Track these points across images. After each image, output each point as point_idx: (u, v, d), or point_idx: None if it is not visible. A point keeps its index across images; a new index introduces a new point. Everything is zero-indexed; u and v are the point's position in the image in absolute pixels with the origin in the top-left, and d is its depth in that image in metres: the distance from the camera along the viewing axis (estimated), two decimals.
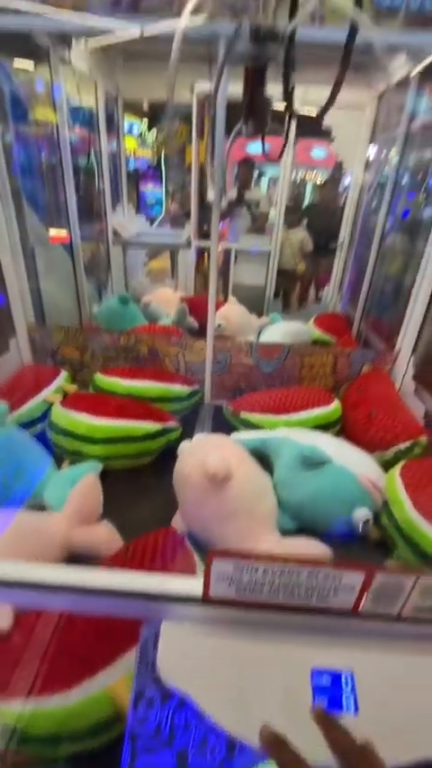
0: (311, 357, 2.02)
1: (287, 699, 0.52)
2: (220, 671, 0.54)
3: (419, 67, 1.84)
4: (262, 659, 0.55)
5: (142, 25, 1.42)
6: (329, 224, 3.45)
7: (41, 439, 1.60)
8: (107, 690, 0.74)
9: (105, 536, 1.12)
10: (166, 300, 2.92)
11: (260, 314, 2.91)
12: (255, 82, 1.11)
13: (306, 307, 3.68)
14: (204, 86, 2.77)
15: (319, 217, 3.49)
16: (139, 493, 1.54)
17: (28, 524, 1.07)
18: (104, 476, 1.50)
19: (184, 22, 1.07)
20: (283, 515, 1.30)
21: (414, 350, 1.83)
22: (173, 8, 1.43)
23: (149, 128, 4.58)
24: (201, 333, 2.24)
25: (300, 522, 1.32)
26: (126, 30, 1.47)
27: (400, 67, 1.99)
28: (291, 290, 3.57)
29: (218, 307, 2.67)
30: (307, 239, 3.39)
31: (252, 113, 1.15)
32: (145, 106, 4.21)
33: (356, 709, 0.51)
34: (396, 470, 1.36)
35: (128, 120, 4.51)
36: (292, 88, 1.00)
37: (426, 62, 1.76)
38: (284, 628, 0.55)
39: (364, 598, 0.47)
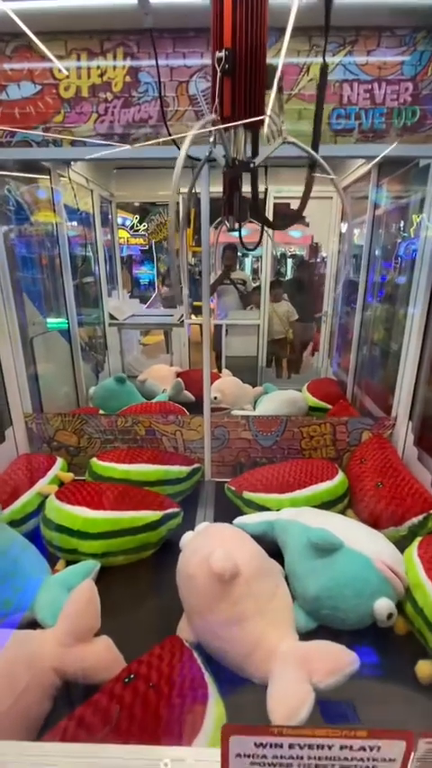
0: (309, 428, 2.01)
1: None
2: None
3: (368, 166, 2.20)
4: None
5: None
6: (308, 298, 3.71)
7: (36, 535, 1.52)
8: None
9: (103, 659, 1.00)
10: (162, 377, 2.98)
11: (254, 384, 2.95)
12: (232, 188, 1.27)
13: (297, 373, 3.77)
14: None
15: (298, 292, 3.76)
16: (141, 590, 1.43)
17: (17, 651, 0.96)
18: (103, 573, 1.40)
19: (183, 152, 1.24)
20: (300, 612, 1.19)
21: (410, 416, 1.83)
22: (158, 136, 1.67)
23: (140, 221, 5.10)
24: (197, 406, 2.25)
25: (318, 619, 1.20)
26: (118, 155, 1.69)
27: (359, 167, 2.29)
28: (282, 357, 3.68)
29: (213, 379, 2.73)
30: (291, 310, 3.59)
31: (231, 211, 1.28)
32: (136, 203, 4.71)
33: None
34: (413, 550, 1.28)
35: (121, 216, 4.99)
36: (261, 203, 1.15)
37: (374, 162, 2.10)
38: None
39: None
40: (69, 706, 0.97)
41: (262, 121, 0.93)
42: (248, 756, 0.40)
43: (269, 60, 1.43)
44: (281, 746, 0.39)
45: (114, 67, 1.64)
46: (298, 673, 0.95)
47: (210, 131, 0.98)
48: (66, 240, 2.60)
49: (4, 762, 0.62)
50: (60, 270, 2.61)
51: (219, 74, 0.82)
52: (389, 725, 0.99)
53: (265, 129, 1.14)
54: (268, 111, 1.09)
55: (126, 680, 0.94)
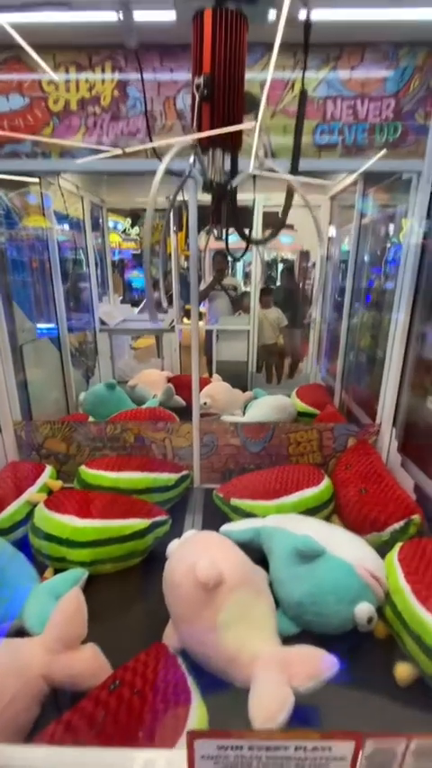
0: (297, 434, 2.05)
1: None
2: None
3: (354, 176, 2.22)
4: None
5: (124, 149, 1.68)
6: (297, 304, 3.77)
7: (24, 543, 1.53)
8: None
9: (90, 666, 1.02)
10: (153, 382, 3.00)
11: (244, 389, 2.99)
12: (218, 200, 1.30)
13: (290, 378, 3.82)
14: (178, 197, 3.17)
15: (288, 298, 3.82)
16: (129, 597, 1.44)
17: (5, 659, 0.98)
18: (91, 580, 1.41)
19: (163, 166, 1.26)
20: (283, 618, 1.22)
21: (394, 423, 1.88)
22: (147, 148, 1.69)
23: (132, 225, 5.12)
24: (188, 411, 2.28)
25: (301, 624, 1.23)
26: (106, 165, 1.72)
27: (347, 176, 2.34)
28: (272, 363, 3.73)
29: (203, 384, 2.76)
30: (282, 317, 3.64)
31: (218, 221, 1.32)
32: (128, 209, 4.74)
33: None
34: (394, 555, 1.32)
35: (112, 220, 5.00)
36: (249, 229, 1.22)
37: (356, 174, 2.15)
38: None
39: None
40: (57, 712, 0.99)
41: (240, 145, 0.96)
42: (212, 758, 0.43)
43: (252, 76, 1.47)
44: (241, 748, 0.42)
45: (103, 81, 1.66)
46: (278, 677, 0.97)
47: (191, 149, 1.01)
48: (56, 246, 2.62)
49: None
50: (50, 275, 2.62)
51: (197, 99, 0.85)
52: (367, 725, 1.03)
53: (252, 155, 1.18)
54: (255, 137, 1.13)
55: (111, 687, 0.97)
